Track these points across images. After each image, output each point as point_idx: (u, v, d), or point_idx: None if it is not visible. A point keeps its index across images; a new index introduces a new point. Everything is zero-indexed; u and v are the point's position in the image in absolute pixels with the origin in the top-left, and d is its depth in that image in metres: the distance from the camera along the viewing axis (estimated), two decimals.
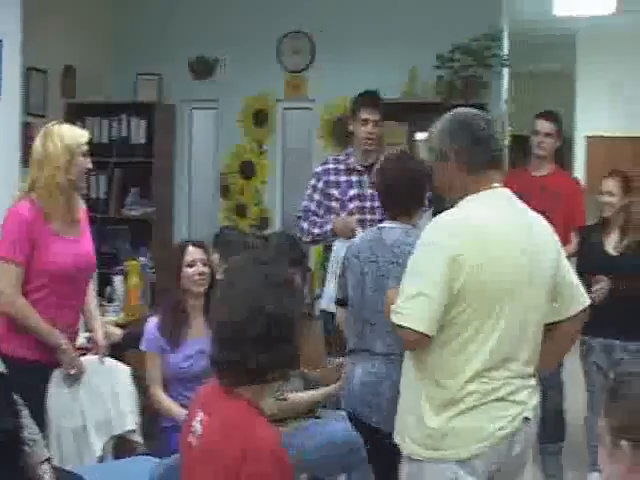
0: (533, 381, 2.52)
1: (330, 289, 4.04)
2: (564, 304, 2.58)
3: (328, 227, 4.20)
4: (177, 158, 6.70)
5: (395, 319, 2.37)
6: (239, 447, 1.93)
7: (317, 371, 3.65)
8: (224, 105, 6.57)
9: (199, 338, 3.51)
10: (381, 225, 3.20)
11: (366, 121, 4.24)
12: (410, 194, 3.14)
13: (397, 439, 2.52)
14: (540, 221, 2.58)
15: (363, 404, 3.08)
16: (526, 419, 2.46)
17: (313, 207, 4.33)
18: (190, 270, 3.56)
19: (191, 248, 3.61)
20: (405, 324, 2.34)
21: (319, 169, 4.40)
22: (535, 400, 2.52)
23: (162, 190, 6.51)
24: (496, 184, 2.50)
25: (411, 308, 2.33)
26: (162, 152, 6.47)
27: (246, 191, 6.55)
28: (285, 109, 6.56)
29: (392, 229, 3.10)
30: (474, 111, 2.59)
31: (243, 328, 1.98)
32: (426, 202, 3.35)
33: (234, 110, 6.51)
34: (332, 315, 3.65)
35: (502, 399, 2.40)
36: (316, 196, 4.34)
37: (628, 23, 7.72)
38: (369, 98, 4.33)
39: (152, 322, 3.61)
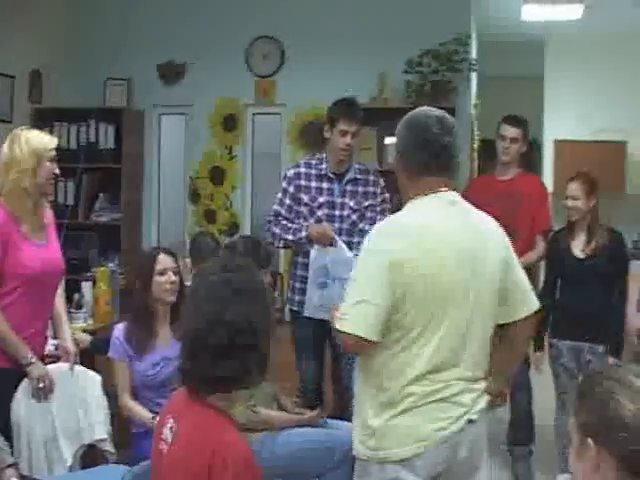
0: (480, 384, 2.54)
1: (314, 299, 4.06)
2: (513, 307, 2.59)
3: (303, 234, 4.16)
4: (146, 163, 6.67)
5: (338, 325, 2.42)
6: (208, 454, 1.94)
7: (293, 401, 3.68)
8: (193, 110, 6.55)
9: (165, 346, 3.53)
10: None
11: (345, 133, 4.17)
12: None
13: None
14: (488, 223, 2.61)
15: None
16: (470, 421, 2.48)
17: (284, 212, 4.30)
18: (162, 278, 3.55)
19: (162, 256, 3.60)
20: (346, 330, 2.39)
21: (290, 172, 4.35)
22: (482, 403, 2.54)
23: (131, 196, 6.48)
24: (443, 188, 2.50)
25: (353, 315, 2.39)
26: (131, 157, 6.43)
27: (216, 196, 6.54)
28: (255, 114, 6.56)
29: None
30: (431, 112, 2.56)
31: (204, 336, 1.99)
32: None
33: (204, 115, 6.49)
34: (321, 321, 3.78)
35: (442, 400, 2.43)
36: (287, 200, 4.31)
37: (596, 28, 7.81)
38: (350, 109, 4.22)
39: (118, 329, 3.61)
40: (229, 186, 6.54)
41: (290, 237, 4.23)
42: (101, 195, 6.38)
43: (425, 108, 2.60)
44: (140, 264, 3.75)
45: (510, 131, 4.63)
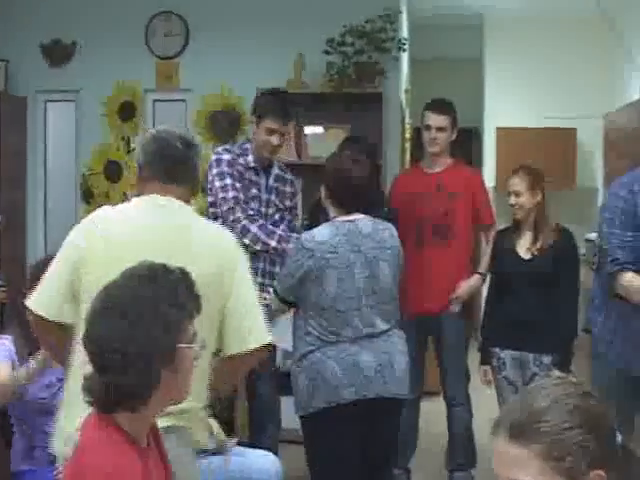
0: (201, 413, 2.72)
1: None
2: (226, 338, 2.75)
3: (290, 246, 3.92)
4: (30, 158, 6.61)
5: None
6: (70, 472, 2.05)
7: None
8: (85, 96, 6.48)
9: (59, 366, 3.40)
10: (350, 218, 3.56)
11: (272, 131, 4.15)
12: (371, 192, 3.72)
13: None
14: (208, 230, 2.81)
15: (381, 382, 3.50)
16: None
17: (243, 196, 4.17)
18: None
19: None
20: (29, 304, 2.76)
21: (226, 157, 4.22)
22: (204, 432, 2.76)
23: (12, 196, 6.41)
24: (155, 194, 2.77)
25: (39, 291, 2.76)
26: (11, 151, 6.37)
27: (112, 195, 6.44)
28: (156, 101, 6.49)
29: (363, 220, 3.59)
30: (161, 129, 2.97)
31: (92, 355, 2.06)
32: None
33: (97, 102, 6.41)
34: None
35: None
36: (237, 183, 4.17)
37: (540, 5, 7.91)
38: (280, 105, 4.18)
39: (7, 339, 3.50)
40: (127, 183, 6.42)
41: (273, 244, 4.10)
42: None
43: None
44: (34, 275, 3.60)
45: (436, 119, 4.58)
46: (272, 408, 4.51)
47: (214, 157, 4.27)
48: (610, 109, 7.65)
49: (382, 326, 3.56)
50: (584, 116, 8.42)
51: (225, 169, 4.18)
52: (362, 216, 3.60)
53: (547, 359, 4.29)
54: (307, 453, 3.65)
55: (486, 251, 4.62)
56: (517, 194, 4.32)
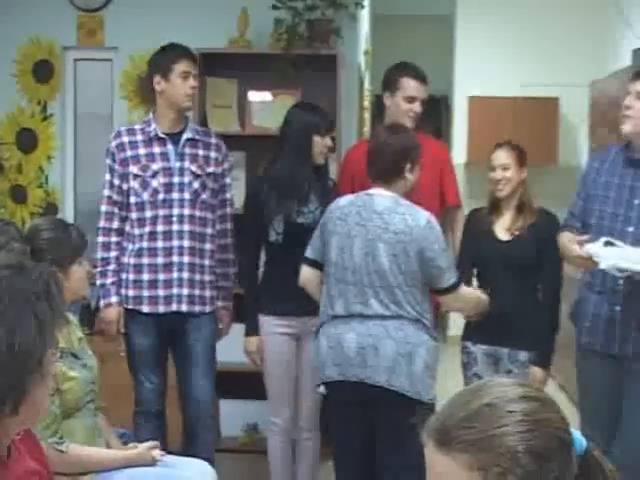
0: None
1: None
2: None
3: (108, 280, 4.51)
4: None
5: None
6: None
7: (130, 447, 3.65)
8: None
9: None
10: (370, 192, 3.95)
11: (187, 74, 4.45)
12: (389, 162, 3.96)
13: None
14: None
15: (362, 366, 3.84)
16: None
17: (115, 196, 4.53)
18: None
19: None
20: None
21: (112, 145, 4.55)
22: None
23: None
24: None
25: None
26: None
27: (25, 168, 6.40)
28: (77, 60, 6.44)
29: (382, 197, 3.92)
30: None
31: None
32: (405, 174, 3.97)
33: (6, 61, 6.33)
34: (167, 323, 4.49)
35: None
36: (115, 180, 4.53)
37: None
38: (185, 48, 4.56)
39: None
40: (43, 155, 6.41)
41: (99, 268, 4.52)
42: None
43: None
44: None
45: (420, 90, 4.68)
46: (208, 412, 4.62)
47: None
48: (597, 76, 7.71)
49: (380, 310, 3.85)
50: (568, 84, 8.51)
51: (107, 161, 4.58)
52: (384, 192, 3.93)
53: (524, 355, 4.38)
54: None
55: (455, 241, 4.74)
56: (505, 167, 4.42)
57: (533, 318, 4.36)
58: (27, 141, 6.42)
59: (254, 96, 5.90)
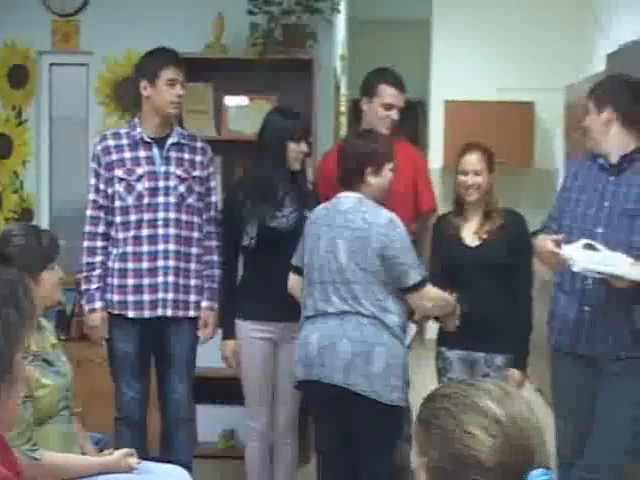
0: None
1: None
2: None
3: (92, 286, 4.50)
4: None
5: None
6: None
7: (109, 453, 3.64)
8: None
9: None
10: (339, 194, 4.11)
11: (174, 82, 4.46)
12: (350, 166, 4.11)
13: None
14: None
15: (321, 366, 3.96)
16: None
17: (101, 200, 4.53)
18: None
19: None
20: None
21: (98, 149, 4.56)
22: None
23: None
24: None
25: None
26: None
27: (0, 174, 6.36)
28: (52, 65, 6.40)
29: (347, 198, 4.08)
30: None
31: None
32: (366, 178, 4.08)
33: None
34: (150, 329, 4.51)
35: None
36: (100, 185, 4.52)
37: None
38: (173, 54, 4.55)
39: None
40: (19, 160, 6.37)
41: (84, 273, 4.52)
42: None
43: None
44: None
45: (398, 98, 4.71)
46: (187, 413, 4.63)
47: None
48: (573, 80, 7.74)
49: (340, 305, 3.98)
50: (543, 88, 8.55)
51: (93, 165, 4.60)
52: (350, 194, 4.07)
53: (500, 359, 4.39)
54: None
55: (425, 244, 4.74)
56: (477, 173, 4.41)
57: (508, 321, 4.37)
58: (2, 146, 6.38)
59: (230, 101, 5.88)
